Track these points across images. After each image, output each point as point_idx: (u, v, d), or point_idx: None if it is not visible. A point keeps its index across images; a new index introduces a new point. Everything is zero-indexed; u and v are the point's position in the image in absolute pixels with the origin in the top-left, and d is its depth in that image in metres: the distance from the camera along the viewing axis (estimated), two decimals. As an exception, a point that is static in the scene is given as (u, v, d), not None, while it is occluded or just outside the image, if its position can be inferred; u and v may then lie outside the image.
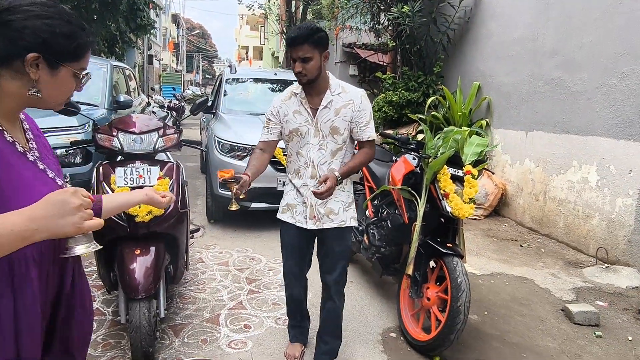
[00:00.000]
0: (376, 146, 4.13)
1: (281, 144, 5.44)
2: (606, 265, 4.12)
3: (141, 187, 2.49)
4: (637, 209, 3.99)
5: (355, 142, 2.41)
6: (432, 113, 6.65)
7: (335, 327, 2.56)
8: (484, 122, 6.04)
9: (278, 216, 2.52)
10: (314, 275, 2.64)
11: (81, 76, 1.10)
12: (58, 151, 4.04)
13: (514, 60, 5.66)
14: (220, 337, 2.80)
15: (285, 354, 2.65)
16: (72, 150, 4.11)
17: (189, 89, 35.99)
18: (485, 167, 6.02)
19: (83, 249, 0.92)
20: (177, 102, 16.42)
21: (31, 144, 1.12)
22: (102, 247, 0.98)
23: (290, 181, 2.44)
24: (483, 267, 4.19)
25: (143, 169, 2.56)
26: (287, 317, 2.73)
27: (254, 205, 4.74)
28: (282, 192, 5.53)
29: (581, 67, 4.64)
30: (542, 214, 5.14)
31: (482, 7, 6.38)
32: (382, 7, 7.59)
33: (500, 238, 5.05)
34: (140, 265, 2.36)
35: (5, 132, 1.03)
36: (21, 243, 0.87)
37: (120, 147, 2.61)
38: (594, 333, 3.10)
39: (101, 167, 2.58)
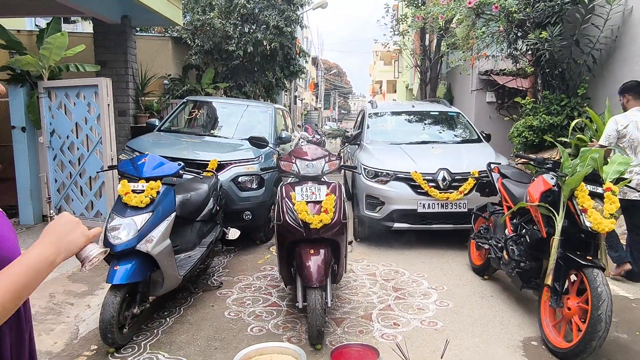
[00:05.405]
0: (514, 168, 4.35)
1: (420, 169, 5.93)
2: None
3: (315, 202, 3.18)
4: None
5: None
6: (578, 136, 6.44)
7: None
8: (638, 143, 5.68)
9: None
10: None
11: None
12: (241, 178, 5.07)
13: (672, 76, 5.30)
14: (373, 330, 3.31)
15: None
16: (250, 178, 5.11)
17: (326, 125, 38.58)
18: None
19: (97, 253, 1.00)
20: (318, 137, 17.82)
21: None
22: (109, 250, 1.08)
23: None
24: None
25: (314, 187, 3.26)
26: (432, 320, 2.95)
27: (397, 225, 5.24)
28: (421, 213, 5.90)
29: None
30: None
31: (630, 24, 6.11)
32: (519, 34, 7.65)
33: (662, 265, 4.71)
34: (314, 261, 3.03)
35: None
36: (51, 268, 0.93)
37: (297, 170, 3.36)
38: None
39: (283, 187, 3.35)
